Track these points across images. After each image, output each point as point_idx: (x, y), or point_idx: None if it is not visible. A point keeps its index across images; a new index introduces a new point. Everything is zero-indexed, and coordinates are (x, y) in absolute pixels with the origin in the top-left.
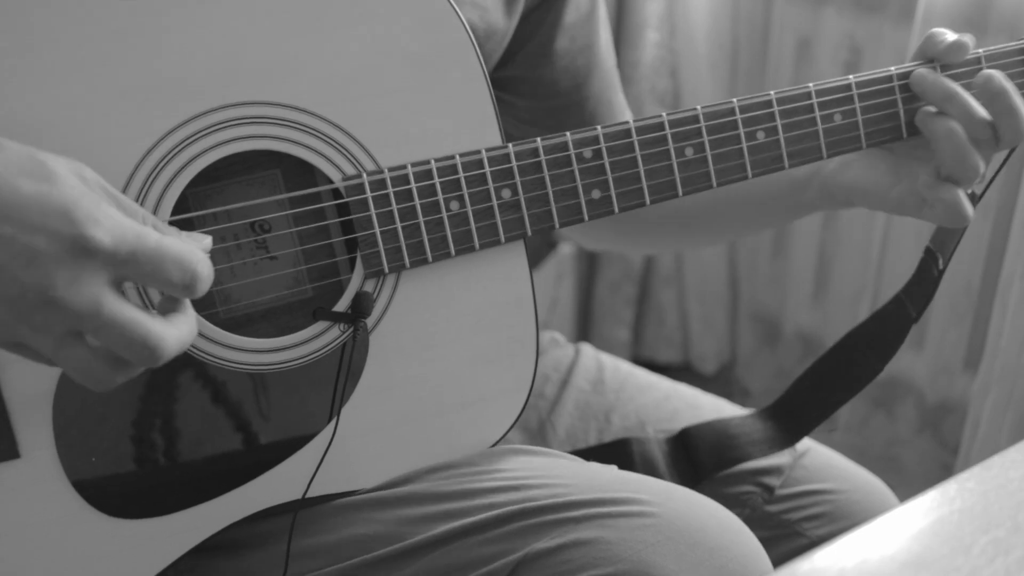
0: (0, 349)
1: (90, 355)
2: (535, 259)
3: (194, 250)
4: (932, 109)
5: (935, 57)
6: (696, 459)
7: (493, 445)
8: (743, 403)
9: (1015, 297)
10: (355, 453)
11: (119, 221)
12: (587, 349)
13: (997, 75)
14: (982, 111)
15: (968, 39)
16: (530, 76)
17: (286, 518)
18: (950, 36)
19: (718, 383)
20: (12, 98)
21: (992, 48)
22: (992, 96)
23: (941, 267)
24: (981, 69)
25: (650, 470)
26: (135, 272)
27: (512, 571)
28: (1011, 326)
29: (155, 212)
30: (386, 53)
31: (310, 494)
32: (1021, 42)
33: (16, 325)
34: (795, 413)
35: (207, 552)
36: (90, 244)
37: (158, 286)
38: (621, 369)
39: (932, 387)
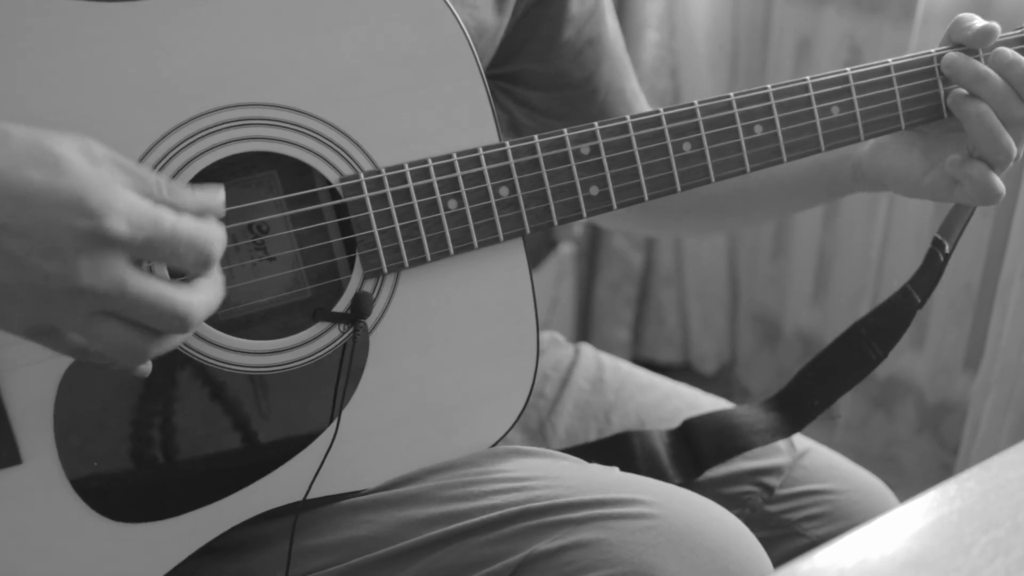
0: (13, 347)
1: (122, 330)
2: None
3: (207, 231)
4: (963, 91)
5: (962, 43)
6: (698, 449)
7: (494, 444)
8: (743, 403)
9: (1015, 297)
10: (356, 454)
11: (135, 206)
12: (587, 349)
13: (1006, 49)
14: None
15: (995, 25)
16: (539, 69)
17: (288, 519)
18: (979, 22)
19: (718, 383)
20: (10, 103)
21: (942, 48)
22: (1005, 68)
23: (947, 252)
24: (934, 68)
25: (653, 462)
26: (151, 255)
27: (513, 572)
28: (1011, 326)
29: None
30: (382, 53)
31: (311, 495)
32: (1020, 30)
33: (45, 309)
34: (798, 402)
35: (209, 555)
36: (107, 234)
37: (173, 266)
38: (621, 369)
39: (932, 387)
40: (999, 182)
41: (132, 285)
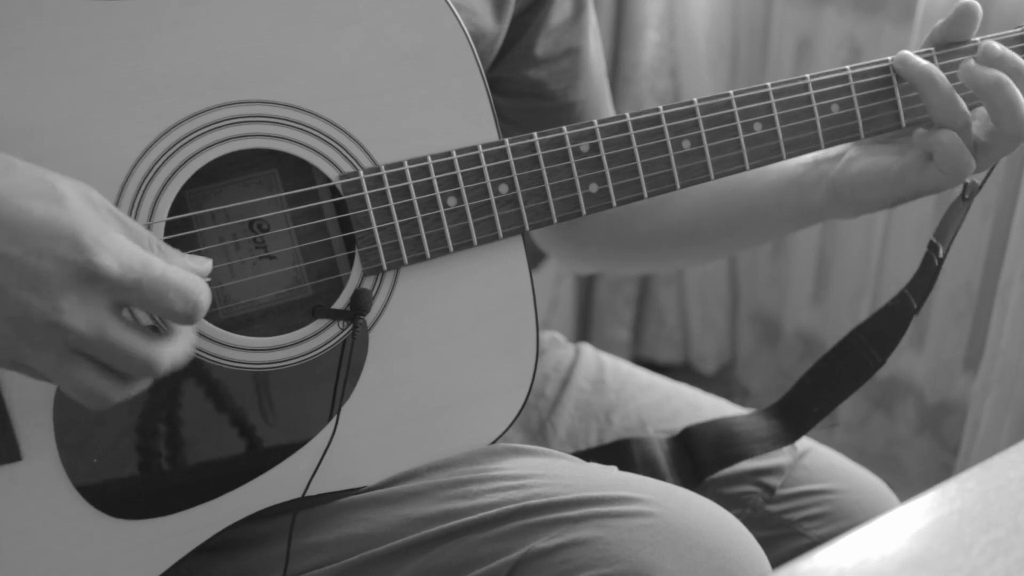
0: None
1: (92, 373)
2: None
3: (196, 280)
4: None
5: (944, 40)
6: (698, 457)
7: (493, 442)
8: (743, 403)
9: (1015, 297)
10: (355, 451)
11: (126, 248)
12: (587, 349)
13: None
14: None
15: (971, 3)
16: (515, 77)
17: (286, 517)
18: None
19: (718, 383)
20: (6, 102)
21: (991, 36)
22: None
23: (941, 256)
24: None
25: (652, 470)
26: (138, 299)
27: (511, 570)
28: (1011, 326)
29: (152, 213)
30: (382, 50)
31: (311, 492)
32: (1020, 29)
33: (18, 343)
34: (798, 409)
35: (208, 552)
36: (98, 271)
37: (159, 313)
38: (621, 369)
39: (932, 387)
40: (967, 151)
41: (111, 330)
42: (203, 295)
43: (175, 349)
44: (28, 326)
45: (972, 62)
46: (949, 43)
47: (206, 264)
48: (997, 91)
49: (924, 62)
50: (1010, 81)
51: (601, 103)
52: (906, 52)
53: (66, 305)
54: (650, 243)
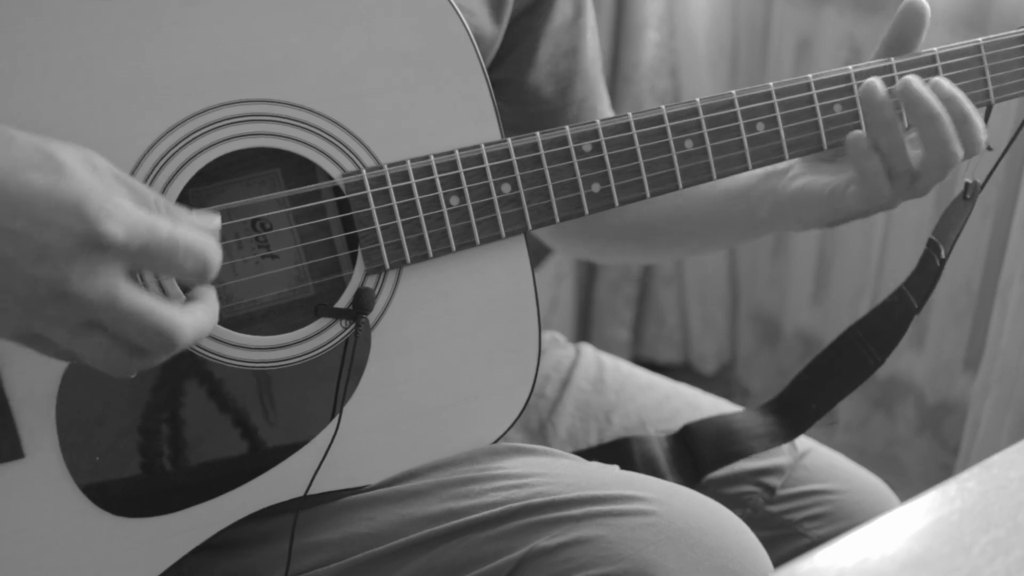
0: (11, 343)
1: (108, 343)
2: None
3: (205, 239)
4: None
5: (897, 38)
6: (698, 455)
7: (495, 441)
8: (743, 403)
9: (1015, 297)
10: (357, 451)
11: (131, 213)
12: (587, 349)
13: (915, 82)
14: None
15: (917, 4)
16: (515, 80)
17: (288, 516)
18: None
19: (718, 383)
20: (10, 99)
21: (947, 47)
22: (912, 105)
23: (943, 257)
24: (936, 67)
25: (651, 469)
26: (148, 263)
27: (514, 569)
28: (1011, 326)
29: None
30: (385, 50)
31: (313, 491)
32: (1020, 30)
33: (30, 319)
34: (797, 407)
35: (210, 551)
36: (103, 239)
37: (171, 275)
38: (621, 369)
39: (932, 387)
40: (885, 178)
41: (123, 297)
42: (213, 252)
43: (196, 318)
44: (38, 299)
45: (874, 84)
46: (904, 49)
47: (215, 221)
48: (930, 124)
49: (890, 105)
50: (943, 117)
51: (598, 101)
52: (875, 83)
53: (74, 275)
54: (617, 237)
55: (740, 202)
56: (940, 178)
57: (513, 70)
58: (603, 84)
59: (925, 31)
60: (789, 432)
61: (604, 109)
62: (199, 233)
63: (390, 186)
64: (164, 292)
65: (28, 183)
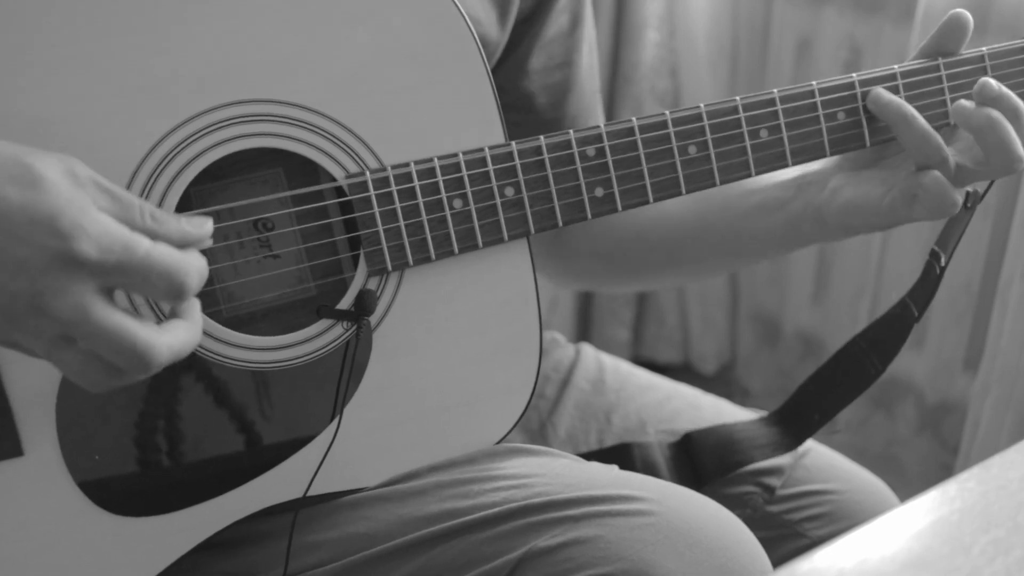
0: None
1: (82, 358)
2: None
3: (181, 261)
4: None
5: (938, 51)
6: (699, 464)
7: (496, 443)
8: (743, 403)
9: (1015, 297)
10: (357, 452)
11: (107, 230)
12: (587, 349)
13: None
14: (934, 137)
15: (961, 14)
16: (507, 88)
17: (287, 516)
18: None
19: (718, 383)
20: (14, 97)
21: (996, 46)
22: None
23: (943, 264)
24: (984, 67)
25: (652, 475)
26: (122, 282)
27: (513, 569)
28: (1011, 326)
29: None
30: (389, 51)
31: (312, 492)
32: (1021, 41)
33: (10, 329)
34: (799, 416)
35: (209, 550)
36: (77, 256)
37: (145, 295)
38: (621, 369)
39: (932, 387)
40: (952, 191)
41: (94, 314)
42: (190, 275)
43: (175, 337)
44: (15, 312)
45: (964, 101)
46: (945, 54)
47: (205, 227)
48: (991, 130)
49: (896, 101)
50: (1003, 119)
51: (590, 119)
52: (878, 90)
53: (47, 290)
54: (635, 262)
55: (778, 217)
56: (999, 176)
57: (505, 77)
58: (599, 103)
59: (966, 43)
60: (791, 441)
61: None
62: (179, 254)
63: (393, 188)
64: (156, 306)
65: (4, 197)
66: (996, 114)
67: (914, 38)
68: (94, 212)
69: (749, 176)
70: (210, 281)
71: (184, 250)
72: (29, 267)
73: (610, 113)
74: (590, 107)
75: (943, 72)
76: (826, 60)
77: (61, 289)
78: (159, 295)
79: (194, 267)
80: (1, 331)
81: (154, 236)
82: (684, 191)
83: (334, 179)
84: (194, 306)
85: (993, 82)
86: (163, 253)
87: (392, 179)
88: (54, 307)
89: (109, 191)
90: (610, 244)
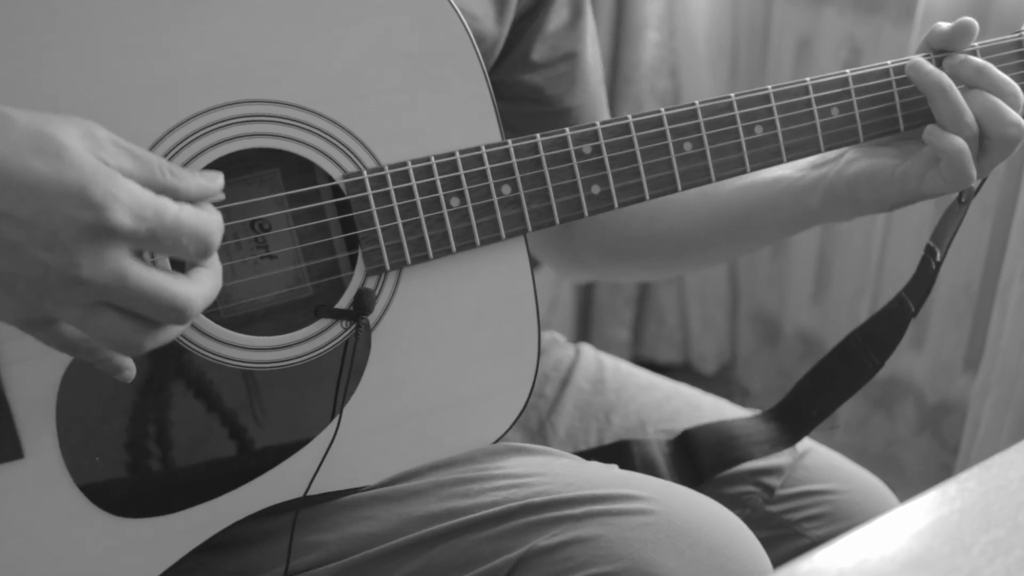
0: (10, 343)
1: (118, 321)
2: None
3: (207, 221)
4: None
5: (941, 47)
6: (697, 460)
7: (495, 442)
8: (743, 403)
9: (1015, 297)
10: (357, 451)
11: (138, 197)
12: (587, 349)
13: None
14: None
15: (970, 20)
16: (512, 81)
17: (288, 515)
18: (953, 24)
19: (718, 383)
20: (14, 97)
21: (988, 41)
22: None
23: (939, 259)
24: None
25: (651, 472)
26: (154, 246)
27: (513, 568)
28: (1011, 326)
29: None
30: (386, 50)
31: (312, 492)
32: (1017, 35)
33: (40, 300)
34: (797, 412)
35: (209, 550)
36: (111, 227)
37: (175, 256)
38: (621, 369)
39: (932, 387)
40: (972, 163)
41: (133, 276)
42: (215, 235)
43: (205, 286)
44: (48, 284)
45: (919, 59)
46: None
47: (218, 180)
48: (941, 95)
49: (937, 71)
50: (952, 87)
51: (597, 109)
52: (919, 59)
53: (83, 260)
54: (644, 252)
55: (785, 196)
56: (1004, 155)
57: (509, 71)
58: (603, 94)
59: (969, 44)
60: (789, 438)
61: (604, 117)
62: (203, 214)
63: (391, 187)
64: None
65: (31, 169)
66: (946, 80)
67: (914, 38)
68: (122, 180)
69: (744, 172)
70: None
71: (201, 206)
72: (63, 240)
73: (610, 113)
74: (596, 96)
75: (891, 78)
76: (826, 60)
77: (96, 258)
78: (189, 256)
79: (216, 224)
80: (26, 306)
81: (175, 192)
82: (680, 188)
83: (331, 179)
84: (215, 255)
85: (973, 59)
86: (190, 215)
87: (389, 178)
88: (92, 276)
89: (129, 150)
90: (619, 235)
